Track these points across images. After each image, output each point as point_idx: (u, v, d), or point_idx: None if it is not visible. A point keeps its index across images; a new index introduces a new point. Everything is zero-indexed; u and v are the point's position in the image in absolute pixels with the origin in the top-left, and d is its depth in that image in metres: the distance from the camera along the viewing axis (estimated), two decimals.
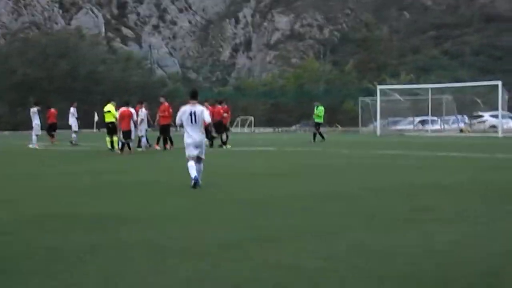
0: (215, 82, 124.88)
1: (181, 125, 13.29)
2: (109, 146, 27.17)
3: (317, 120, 34.94)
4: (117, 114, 26.22)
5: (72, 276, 5.67)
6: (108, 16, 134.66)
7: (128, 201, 10.75)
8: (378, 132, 48.81)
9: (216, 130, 28.11)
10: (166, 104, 28.50)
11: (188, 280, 5.52)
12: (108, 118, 27.35)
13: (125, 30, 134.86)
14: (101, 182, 13.96)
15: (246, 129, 64.98)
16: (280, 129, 67.42)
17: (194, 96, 13.29)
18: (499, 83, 44.03)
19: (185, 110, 12.94)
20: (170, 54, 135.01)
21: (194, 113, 12.81)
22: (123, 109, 25.81)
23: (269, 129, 66.76)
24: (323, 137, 34.04)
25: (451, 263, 5.99)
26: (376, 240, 7.04)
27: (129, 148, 25.39)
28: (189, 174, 12.49)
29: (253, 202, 10.37)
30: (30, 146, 30.33)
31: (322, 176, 14.93)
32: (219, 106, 29.83)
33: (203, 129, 13.22)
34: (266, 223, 8.30)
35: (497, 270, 5.77)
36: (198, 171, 12.68)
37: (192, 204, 10.26)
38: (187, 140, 12.89)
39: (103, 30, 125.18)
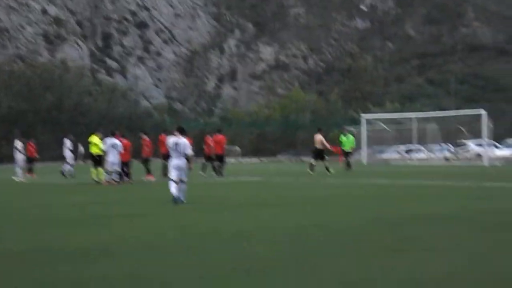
0: (201, 113, 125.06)
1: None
2: (94, 177, 27.01)
3: (347, 149, 34.97)
4: (103, 146, 26.24)
5: None
6: (93, 48, 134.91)
7: (113, 233, 10.61)
8: (364, 161, 48.87)
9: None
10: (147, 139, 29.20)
11: None
12: (94, 150, 27.27)
13: (110, 62, 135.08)
14: (85, 214, 13.82)
15: (232, 159, 64.88)
16: (266, 158, 67.38)
17: (179, 130, 16.80)
18: (483, 112, 44.27)
19: (171, 140, 16.54)
20: (155, 85, 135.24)
21: (177, 144, 16.23)
22: (123, 140, 27.28)
23: (255, 159, 66.72)
24: (350, 166, 34.14)
25: None
26: (364, 270, 6.96)
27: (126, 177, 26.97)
28: (171, 193, 15.72)
29: (237, 233, 10.27)
30: (15, 179, 30.09)
31: (307, 207, 14.84)
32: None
33: (184, 156, 16.28)
34: (253, 254, 8.20)
35: None
36: (181, 190, 15.93)
37: (176, 236, 10.14)
38: (171, 164, 16.35)
39: (88, 62, 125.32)
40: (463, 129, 55.21)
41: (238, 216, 12.95)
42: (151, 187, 24.39)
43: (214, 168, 30.17)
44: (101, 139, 27.27)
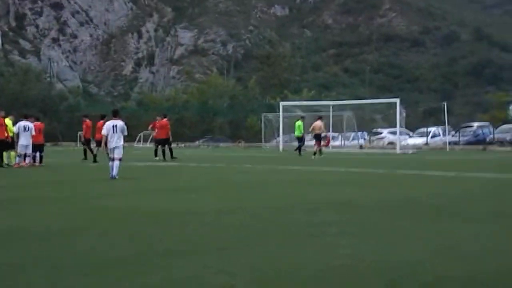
0: (117, 97, 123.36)
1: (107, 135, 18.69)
2: (5, 161, 26.31)
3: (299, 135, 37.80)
4: (14, 129, 25.60)
5: None
6: (6, 28, 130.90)
7: (22, 217, 10.34)
8: (281, 148, 49.27)
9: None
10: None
11: None
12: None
13: (24, 43, 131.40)
14: None
15: (148, 144, 64.28)
16: (183, 144, 67.08)
17: (115, 113, 19.41)
18: (397, 100, 45.25)
19: (109, 123, 18.78)
20: (71, 67, 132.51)
21: (116, 126, 18.60)
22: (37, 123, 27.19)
23: (173, 145, 66.21)
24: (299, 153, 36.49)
25: (347, 276, 6.02)
26: (275, 255, 7.00)
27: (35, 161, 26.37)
28: (108, 170, 18.25)
29: (152, 217, 10.18)
30: None
31: (222, 192, 14.86)
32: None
33: (121, 138, 18.68)
34: (166, 237, 8.14)
35: (392, 281, 5.83)
36: (115, 167, 18.12)
37: (89, 220, 9.96)
38: (110, 145, 18.51)
39: (0, 42, 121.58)
40: (377, 117, 56.42)
41: (155, 200, 12.84)
42: (64, 170, 23.92)
43: (163, 152, 31.06)
44: (14, 122, 26.63)
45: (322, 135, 36.27)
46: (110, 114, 19.87)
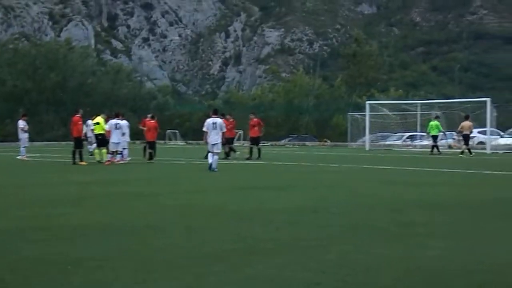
0: (205, 96, 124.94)
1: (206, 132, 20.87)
2: (97, 158, 27.09)
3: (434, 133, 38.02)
4: (106, 127, 26.32)
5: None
6: (98, 28, 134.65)
7: (112, 212, 10.63)
8: (367, 147, 48.84)
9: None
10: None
11: None
12: (98, 130, 27.30)
13: (115, 43, 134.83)
14: (86, 193, 13.87)
15: (235, 143, 64.70)
16: (269, 143, 67.30)
17: (215, 112, 21.95)
18: (488, 99, 44.08)
19: (209, 121, 20.96)
20: (160, 67, 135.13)
21: (216, 123, 20.88)
22: (150, 121, 28.61)
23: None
24: (438, 150, 37.35)
25: (436, 277, 5.95)
26: (363, 254, 6.98)
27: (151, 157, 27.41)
28: (207, 161, 20.90)
29: (239, 214, 10.29)
30: (18, 157, 30.17)
31: (308, 190, 14.87)
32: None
33: (220, 134, 20.90)
34: (252, 235, 8.22)
35: (481, 285, 5.72)
36: (214, 161, 20.40)
37: (177, 216, 10.17)
38: (209, 140, 20.66)
39: (93, 42, 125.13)
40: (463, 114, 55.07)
41: (239, 198, 12.97)
42: (153, 167, 24.40)
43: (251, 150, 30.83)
44: (106, 120, 27.38)
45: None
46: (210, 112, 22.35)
